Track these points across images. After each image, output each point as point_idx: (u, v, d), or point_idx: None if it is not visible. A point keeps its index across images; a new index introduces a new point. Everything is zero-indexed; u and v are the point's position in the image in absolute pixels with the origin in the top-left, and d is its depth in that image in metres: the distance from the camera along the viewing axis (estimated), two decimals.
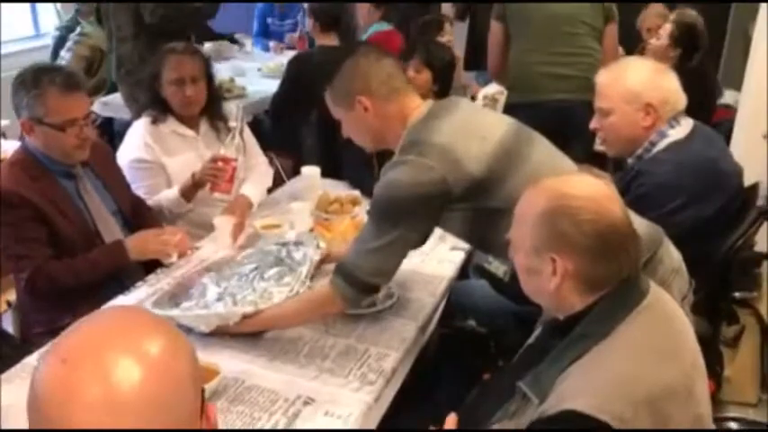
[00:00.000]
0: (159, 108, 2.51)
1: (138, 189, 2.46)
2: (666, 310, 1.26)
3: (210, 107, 2.59)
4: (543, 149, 1.74)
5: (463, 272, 2.27)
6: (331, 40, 3.90)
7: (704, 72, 3.69)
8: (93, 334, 0.72)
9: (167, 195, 2.47)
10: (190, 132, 2.56)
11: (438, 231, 2.29)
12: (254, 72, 4.60)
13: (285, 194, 2.70)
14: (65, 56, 4.61)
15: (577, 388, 1.14)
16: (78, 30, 4.69)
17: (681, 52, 3.56)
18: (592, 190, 1.22)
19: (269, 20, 5.66)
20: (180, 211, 2.48)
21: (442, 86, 3.05)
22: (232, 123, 2.53)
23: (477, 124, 1.71)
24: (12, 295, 2.19)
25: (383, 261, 1.67)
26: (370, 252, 1.65)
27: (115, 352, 0.69)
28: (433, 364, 2.09)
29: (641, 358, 1.17)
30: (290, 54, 5.11)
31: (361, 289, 1.68)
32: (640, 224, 1.47)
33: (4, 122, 4.31)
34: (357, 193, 2.64)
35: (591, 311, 1.22)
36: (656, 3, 4.20)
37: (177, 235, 2.15)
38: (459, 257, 2.23)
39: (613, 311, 1.21)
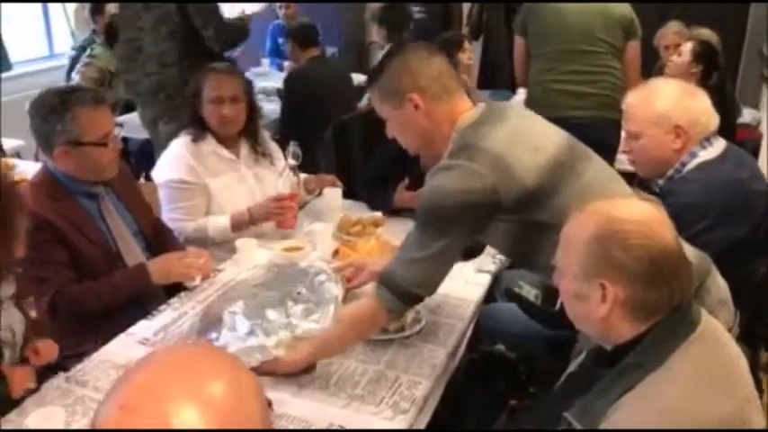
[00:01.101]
0: (198, 126, 2.48)
1: (174, 210, 2.42)
2: (720, 339, 1.22)
3: (249, 128, 2.55)
4: (598, 168, 1.69)
5: (489, 295, 2.23)
6: (315, 53, 4.13)
7: (724, 90, 3.66)
8: (152, 377, 0.67)
9: (216, 224, 2.42)
10: (229, 155, 2.52)
11: None
12: (272, 92, 4.60)
13: (306, 215, 2.67)
14: (74, 77, 4.64)
15: (631, 421, 1.09)
16: (87, 52, 4.72)
17: (702, 69, 3.55)
18: (642, 213, 1.18)
19: (279, 40, 5.68)
20: (224, 241, 2.42)
21: None
22: (291, 161, 2.55)
23: (530, 133, 1.67)
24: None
25: (430, 271, 1.60)
26: (417, 262, 1.59)
27: (175, 397, 0.64)
28: (461, 389, 2.04)
29: (696, 390, 1.12)
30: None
31: (407, 300, 1.62)
32: (689, 251, 1.43)
33: (19, 143, 4.33)
34: (379, 214, 2.61)
35: (642, 340, 1.18)
36: (675, 21, 4.19)
37: (201, 258, 2.11)
38: (485, 280, 2.19)
39: (666, 340, 1.16)
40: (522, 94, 3.90)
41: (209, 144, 2.48)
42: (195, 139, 2.46)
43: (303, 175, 2.78)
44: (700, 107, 2.05)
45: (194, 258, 2.10)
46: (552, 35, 3.25)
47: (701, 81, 3.44)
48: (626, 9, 3.29)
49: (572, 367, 1.41)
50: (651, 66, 4.05)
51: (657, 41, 4.18)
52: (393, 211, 2.63)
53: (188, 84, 2.99)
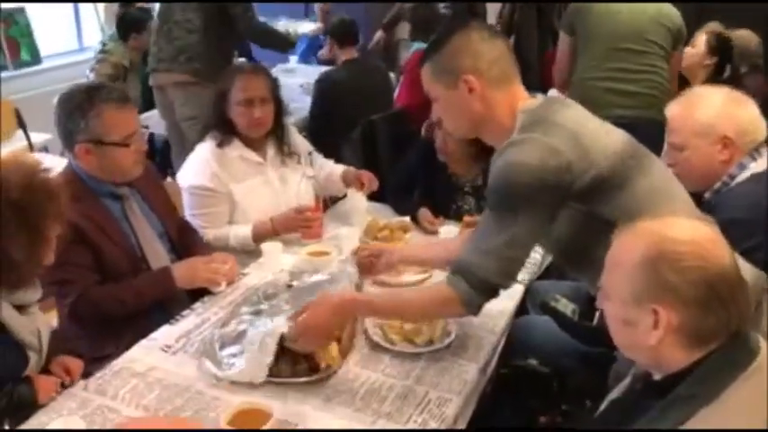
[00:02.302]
0: (224, 129, 2.41)
1: (195, 217, 2.38)
2: None
3: (277, 129, 2.49)
4: (660, 167, 1.63)
5: (521, 307, 2.14)
6: (352, 54, 4.04)
7: (742, 86, 3.54)
8: None
9: (237, 233, 2.37)
10: (256, 157, 2.46)
11: None
12: (296, 88, 4.53)
13: (330, 219, 2.60)
14: (89, 75, 4.59)
15: None
16: (100, 47, 4.69)
17: (716, 62, 3.45)
18: (696, 233, 1.10)
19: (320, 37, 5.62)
20: (244, 250, 2.36)
21: None
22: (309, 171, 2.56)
23: (598, 120, 1.60)
24: (53, 320, 2.12)
25: (506, 258, 1.50)
26: (492, 251, 1.49)
27: None
28: (489, 404, 1.96)
29: (755, 428, 1.04)
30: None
31: (484, 292, 1.52)
32: (745, 269, 1.34)
33: (47, 137, 4.33)
34: (407, 219, 2.55)
35: (696, 370, 1.09)
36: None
37: (227, 263, 2.05)
38: (518, 291, 2.11)
39: (722, 371, 1.08)
40: (554, 93, 3.81)
41: (236, 148, 2.42)
42: (221, 144, 2.40)
43: (340, 167, 2.72)
44: (747, 116, 1.94)
45: (220, 264, 2.04)
46: (601, 34, 3.19)
47: (713, 74, 3.37)
48: (678, 17, 3.23)
49: (615, 393, 1.33)
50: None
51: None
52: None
53: (210, 50, 3.55)
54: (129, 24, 4.68)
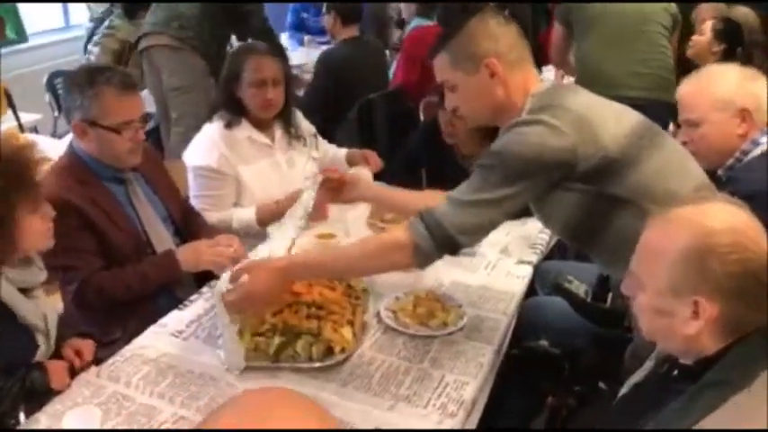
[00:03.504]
0: (234, 111, 2.37)
1: (199, 198, 2.34)
2: None
3: (285, 111, 2.46)
4: (673, 145, 1.63)
5: (529, 288, 2.13)
6: (352, 33, 3.92)
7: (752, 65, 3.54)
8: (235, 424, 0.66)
9: (240, 217, 2.34)
10: (265, 139, 2.43)
11: (501, 243, 2.19)
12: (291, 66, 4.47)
13: None
14: (93, 50, 4.47)
15: None
16: (107, 23, 4.55)
17: (725, 48, 3.43)
18: (737, 222, 1.08)
19: (303, 15, 5.55)
20: (248, 234, 2.33)
21: None
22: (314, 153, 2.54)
23: (609, 105, 1.60)
24: (58, 305, 2.08)
25: (478, 217, 1.49)
26: (468, 204, 1.48)
27: None
28: (500, 386, 1.96)
29: None
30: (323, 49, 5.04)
31: (440, 243, 1.49)
32: None
33: (37, 117, 4.25)
34: None
35: (728, 355, 1.08)
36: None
37: (232, 246, 2.02)
38: (527, 272, 2.10)
39: (754, 357, 1.07)
40: (550, 70, 3.81)
41: (244, 129, 2.39)
42: (229, 125, 2.36)
43: (344, 150, 2.69)
44: (762, 92, 1.94)
45: (225, 246, 2.01)
46: (603, 17, 3.17)
47: (723, 60, 3.35)
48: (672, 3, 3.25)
49: (637, 377, 1.32)
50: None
51: (695, 17, 4.04)
52: None
53: (203, 22, 3.48)
54: (137, 1, 4.49)
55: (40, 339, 1.62)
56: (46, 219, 1.59)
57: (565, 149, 1.46)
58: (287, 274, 1.61)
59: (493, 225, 1.54)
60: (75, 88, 1.88)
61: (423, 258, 1.53)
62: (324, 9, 3.94)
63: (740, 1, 3.89)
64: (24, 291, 1.61)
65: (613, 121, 1.54)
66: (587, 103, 1.56)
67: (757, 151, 1.90)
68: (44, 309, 1.66)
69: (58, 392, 1.55)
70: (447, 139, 2.67)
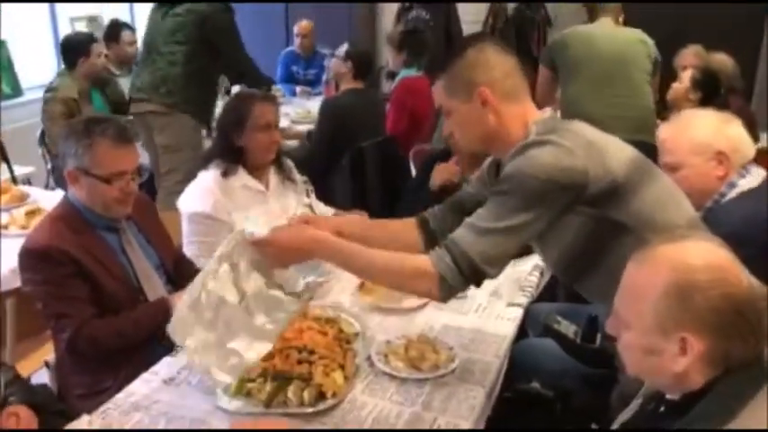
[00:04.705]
0: (232, 158, 2.43)
1: (193, 244, 2.37)
2: None
3: (279, 157, 2.55)
4: (667, 178, 1.69)
5: (520, 330, 2.15)
6: (359, 85, 3.97)
7: (748, 114, 3.62)
8: None
9: None
10: (259, 186, 2.48)
11: (491, 286, 2.21)
12: (283, 117, 4.56)
13: None
14: (43, 121, 4.19)
15: None
16: (47, 86, 4.25)
17: (701, 96, 3.53)
18: (716, 259, 1.11)
19: (293, 68, 5.68)
20: None
21: None
22: (306, 198, 2.60)
23: (608, 135, 1.64)
24: (50, 354, 2.09)
25: (501, 246, 1.48)
26: (490, 232, 1.48)
27: None
28: (495, 429, 1.96)
29: None
30: (317, 100, 5.15)
31: (468, 275, 1.49)
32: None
33: (31, 169, 4.30)
34: None
35: (713, 389, 1.10)
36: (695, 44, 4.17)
37: None
38: (517, 314, 2.12)
39: (739, 390, 1.08)
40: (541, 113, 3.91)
41: (240, 178, 2.44)
42: (226, 174, 2.41)
43: (330, 210, 2.74)
44: (738, 134, 2.01)
45: None
46: (586, 61, 3.28)
47: (700, 107, 3.45)
48: (653, 45, 3.39)
49: (625, 415, 1.33)
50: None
51: (677, 62, 4.16)
52: None
53: (190, 83, 3.60)
54: (75, 49, 4.23)
55: None
56: None
57: (577, 170, 1.48)
58: (315, 245, 1.59)
59: (514, 253, 1.55)
60: (72, 136, 1.92)
61: (448, 292, 1.53)
62: (342, 54, 3.94)
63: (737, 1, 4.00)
64: None
65: (616, 148, 1.59)
66: (591, 130, 1.61)
67: (733, 193, 1.95)
68: None
69: None
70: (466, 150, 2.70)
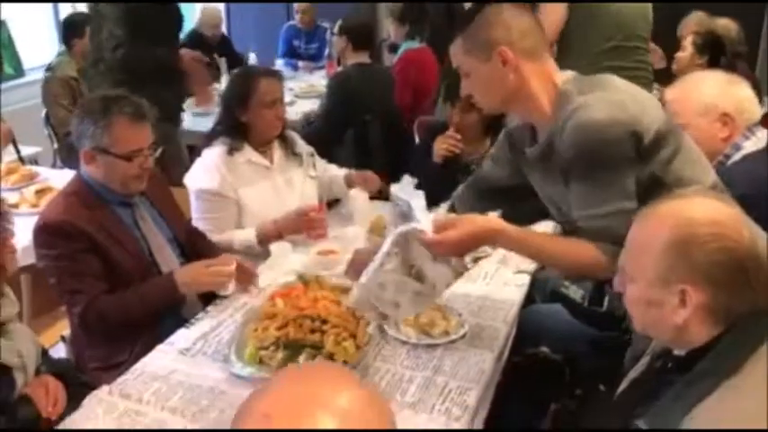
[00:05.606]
0: (237, 134, 2.44)
1: (201, 220, 2.39)
2: None
3: (283, 131, 2.56)
4: (687, 135, 1.67)
5: (527, 296, 2.18)
6: (363, 58, 3.92)
7: (753, 79, 3.61)
8: (296, 390, 0.75)
9: (241, 237, 2.39)
10: (264, 161, 2.50)
11: (498, 254, 2.24)
12: (287, 92, 4.55)
13: (333, 218, 2.62)
14: (44, 102, 4.17)
15: None
16: (47, 66, 4.28)
17: (708, 59, 3.51)
18: (719, 213, 1.13)
19: (295, 42, 5.66)
20: (249, 254, 2.37)
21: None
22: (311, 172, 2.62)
23: (639, 89, 1.64)
24: (66, 329, 2.13)
25: (631, 210, 1.43)
26: (616, 210, 1.48)
27: (317, 410, 0.72)
28: (503, 393, 2.00)
29: None
30: (319, 74, 5.14)
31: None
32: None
33: (37, 149, 4.32)
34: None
35: (717, 344, 1.13)
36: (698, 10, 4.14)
37: (231, 264, 2.01)
38: (524, 280, 2.15)
39: (742, 344, 1.11)
40: None
41: (245, 153, 2.45)
42: (231, 151, 2.43)
43: (344, 170, 2.76)
44: (744, 95, 2.02)
45: (222, 266, 2.00)
46: (590, 33, 3.21)
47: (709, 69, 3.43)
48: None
49: (634, 373, 1.36)
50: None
51: (681, 31, 4.14)
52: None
53: (138, 67, 3.18)
54: (72, 29, 4.25)
55: (17, 375, 1.62)
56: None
57: (635, 120, 1.48)
58: (493, 234, 1.61)
59: (636, 207, 1.49)
60: (89, 117, 1.92)
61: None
62: (336, 31, 3.91)
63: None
64: None
65: (651, 100, 1.60)
66: (624, 82, 1.61)
67: (739, 155, 1.96)
68: (19, 344, 1.66)
69: (49, 420, 1.58)
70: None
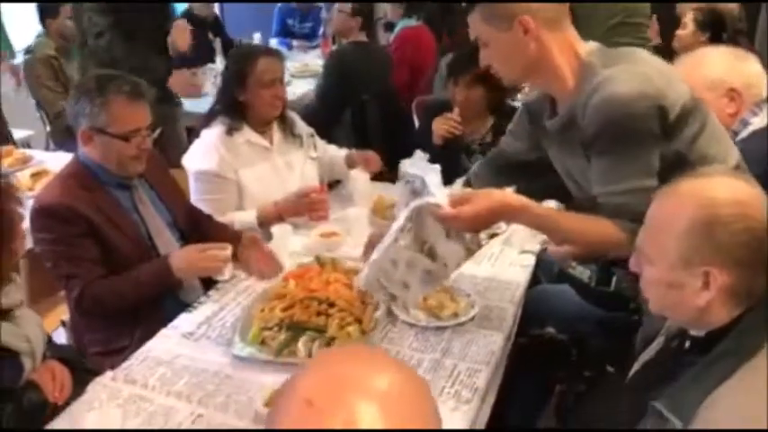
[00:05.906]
0: (235, 114, 2.39)
1: (201, 202, 2.34)
2: None
3: (283, 112, 2.50)
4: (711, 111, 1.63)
5: (533, 277, 2.16)
6: (360, 37, 3.89)
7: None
8: (336, 373, 0.73)
9: (242, 219, 2.35)
10: (263, 142, 2.45)
11: (503, 235, 2.22)
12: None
13: (334, 199, 2.59)
14: (29, 85, 4.12)
15: (732, 418, 1.03)
16: (25, 49, 4.26)
17: (710, 37, 3.48)
18: (739, 194, 1.11)
19: (289, 21, 5.59)
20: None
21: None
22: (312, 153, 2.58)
23: (664, 62, 1.60)
24: (65, 314, 2.10)
25: (651, 188, 1.40)
26: (637, 187, 1.45)
27: (358, 394, 0.70)
28: (509, 375, 1.98)
29: None
30: (314, 53, 5.07)
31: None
32: None
33: (29, 132, 4.25)
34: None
35: (737, 325, 1.11)
36: None
37: (227, 249, 1.94)
38: (529, 261, 2.13)
39: (762, 324, 1.09)
40: None
41: (244, 134, 2.41)
42: (230, 131, 2.38)
43: (343, 151, 2.72)
44: (752, 70, 1.99)
45: (219, 250, 1.92)
46: (598, 10, 3.16)
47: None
48: None
49: (648, 354, 1.34)
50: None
51: (680, 9, 4.09)
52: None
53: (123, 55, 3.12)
54: (44, 10, 4.18)
55: (26, 361, 1.60)
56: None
57: (661, 94, 1.45)
58: (510, 209, 1.57)
59: (656, 184, 1.47)
60: (85, 96, 1.87)
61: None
62: (349, 9, 3.83)
63: None
64: (4, 312, 1.59)
65: (675, 74, 1.56)
66: (648, 54, 1.58)
67: (746, 132, 1.94)
68: (27, 329, 1.63)
69: (55, 405, 1.56)
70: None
